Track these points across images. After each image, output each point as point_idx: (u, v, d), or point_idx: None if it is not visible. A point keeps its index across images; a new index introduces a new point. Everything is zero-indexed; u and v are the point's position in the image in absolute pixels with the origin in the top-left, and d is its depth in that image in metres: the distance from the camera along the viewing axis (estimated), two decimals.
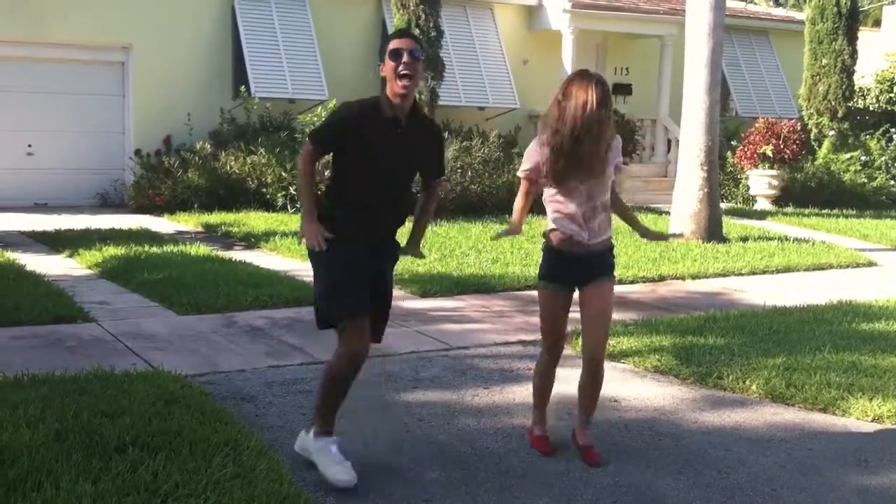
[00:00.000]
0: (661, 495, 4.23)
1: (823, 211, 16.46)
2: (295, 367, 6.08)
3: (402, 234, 4.53)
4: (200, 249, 10.27)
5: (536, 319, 7.09)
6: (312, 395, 5.44)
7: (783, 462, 4.67)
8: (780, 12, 24.70)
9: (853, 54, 18.41)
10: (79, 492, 3.69)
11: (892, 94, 19.68)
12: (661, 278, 9.81)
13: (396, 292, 8.25)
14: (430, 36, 15.10)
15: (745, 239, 12.66)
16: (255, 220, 12.88)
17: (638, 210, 15.52)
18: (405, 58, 4.14)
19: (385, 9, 16.61)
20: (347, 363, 4.19)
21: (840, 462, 4.69)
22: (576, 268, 4.54)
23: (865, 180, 17.93)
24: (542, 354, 4.81)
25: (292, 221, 12.79)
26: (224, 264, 9.45)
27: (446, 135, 14.56)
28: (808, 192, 17.41)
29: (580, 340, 4.86)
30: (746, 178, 17.44)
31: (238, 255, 10.32)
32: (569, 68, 17.71)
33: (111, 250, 9.87)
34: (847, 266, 11.21)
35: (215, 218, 12.97)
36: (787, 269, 10.71)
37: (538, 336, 6.99)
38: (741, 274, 10.29)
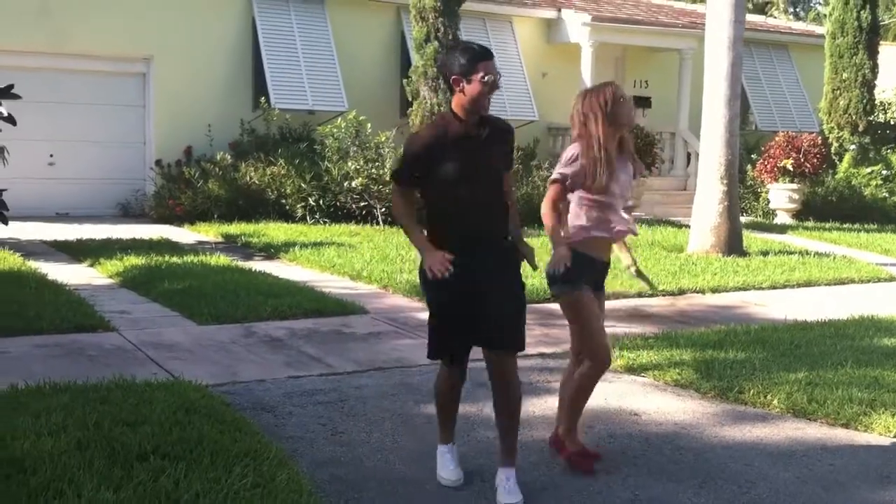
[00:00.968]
0: None
1: (844, 225, 16.37)
2: (314, 378, 6.08)
3: None
4: (220, 259, 10.31)
5: (556, 331, 7.06)
6: (332, 407, 5.47)
7: (805, 477, 4.63)
8: (799, 26, 24.63)
9: (874, 68, 18.34)
10: (101, 500, 3.71)
11: None
12: (681, 292, 9.77)
13: (416, 304, 8.25)
14: (449, 48, 15.13)
15: (765, 253, 12.61)
16: (275, 230, 12.92)
17: (657, 223, 15.48)
18: (498, 83, 4.15)
19: (404, 21, 16.67)
20: (440, 390, 4.45)
21: (862, 478, 4.65)
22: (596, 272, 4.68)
23: (887, 195, 17.82)
24: (593, 366, 4.64)
25: (312, 232, 12.83)
26: (244, 274, 9.48)
27: None
28: (828, 207, 17.32)
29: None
30: (766, 192, 17.37)
31: (258, 265, 10.36)
32: (588, 81, 17.70)
33: (132, 260, 9.92)
34: (868, 281, 11.13)
35: (235, 228, 13.02)
36: (808, 284, 10.65)
37: (557, 349, 7.01)
38: (761, 288, 10.24)
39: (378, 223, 13.92)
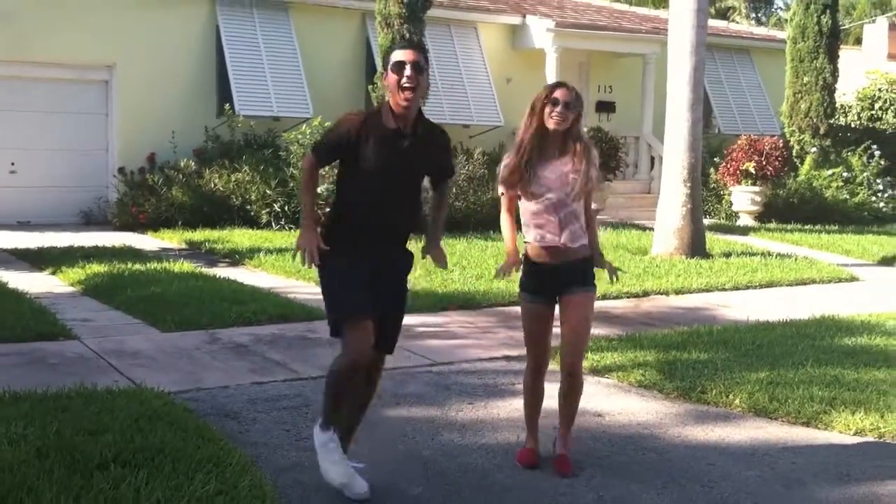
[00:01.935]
0: None
1: (806, 227, 16.55)
2: (279, 384, 6.06)
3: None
4: (184, 266, 10.24)
5: (520, 334, 7.09)
6: (296, 412, 5.45)
7: (767, 476, 4.68)
8: (761, 31, 24.87)
9: (834, 72, 18.58)
10: None
11: (873, 112, 19.88)
12: (645, 294, 9.84)
13: None
14: None
15: (728, 254, 12.72)
16: (240, 236, 12.86)
17: (622, 226, 15.59)
18: (408, 70, 4.11)
19: (369, 27, 16.66)
20: (347, 366, 4.11)
21: (823, 475, 4.70)
22: (553, 278, 4.61)
23: (847, 196, 18.07)
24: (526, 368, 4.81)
25: (277, 238, 12.77)
26: (208, 281, 9.42)
27: None
28: (790, 208, 17.52)
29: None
30: (729, 195, 17.54)
31: (222, 271, 10.30)
32: None
33: (94, 268, 9.82)
34: (829, 281, 11.27)
35: (199, 235, 12.94)
36: (770, 285, 10.76)
37: (522, 351, 7.02)
38: (724, 289, 10.34)
39: None
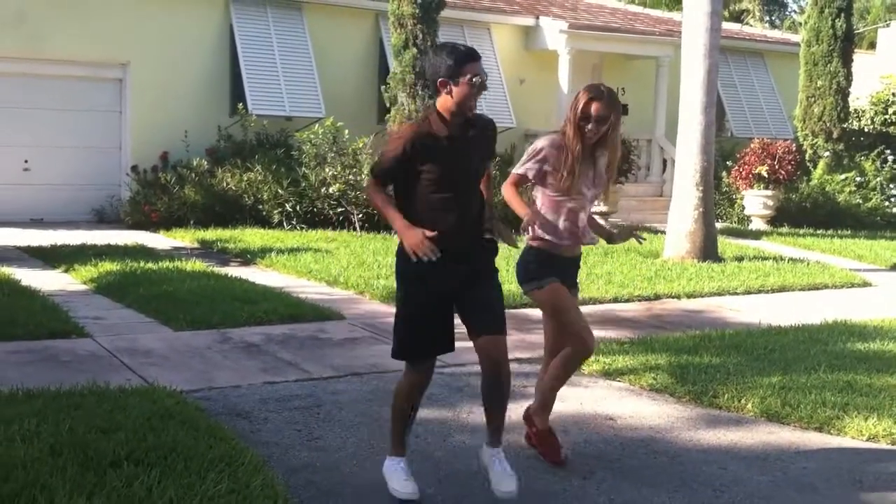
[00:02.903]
0: None
1: (818, 231, 16.50)
2: (290, 384, 6.07)
3: None
4: (196, 265, 10.26)
5: (532, 337, 7.09)
6: (307, 412, 5.45)
7: (779, 481, 4.67)
8: (775, 34, 24.83)
9: (848, 76, 18.52)
10: None
11: (886, 116, 19.77)
12: (657, 297, 9.82)
13: (393, 309, 8.26)
14: (427, 55, 15.16)
15: (740, 258, 12.69)
16: (251, 236, 12.88)
17: (634, 230, 15.53)
18: (486, 84, 4.14)
19: (383, 27, 16.68)
20: (405, 398, 4.31)
21: (836, 481, 4.69)
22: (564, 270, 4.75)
23: (860, 201, 18.00)
24: (577, 351, 4.73)
25: (288, 238, 12.80)
26: (220, 280, 9.44)
27: None
28: (803, 213, 17.46)
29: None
30: (741, 199, 17.50)
31: (234, 271, 10.32)
32: (565, 88, 17.80)
33: (107, 266, 9.86)
34: (842, 286, 11.23)
35: (211, 234, 12.97)
36: (783, 289, 10.73)
37: (533, 354, 7.03)
38: (736, 293, 10.31)
39: (355, 229, 13.91)
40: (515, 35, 18.65)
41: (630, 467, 4.77)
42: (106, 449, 4.30)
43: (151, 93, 15.19)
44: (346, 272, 10.11)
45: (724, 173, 17.65)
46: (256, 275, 10.17)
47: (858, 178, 18.29)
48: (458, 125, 4.14)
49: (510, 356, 6.91)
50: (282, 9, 16.29)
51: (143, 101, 15.19)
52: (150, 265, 9.99)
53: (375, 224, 14.01)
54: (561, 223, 4.67)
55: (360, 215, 13.91)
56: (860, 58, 20.49)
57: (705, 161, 12.54)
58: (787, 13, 42.34)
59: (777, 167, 16.81)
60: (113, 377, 5.84)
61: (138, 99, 15.20)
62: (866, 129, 19.76)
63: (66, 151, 15.01)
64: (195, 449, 4.40)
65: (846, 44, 18.45)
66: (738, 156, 17.63)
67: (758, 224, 17.15)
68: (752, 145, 17.31)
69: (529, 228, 4.55)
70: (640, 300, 9.63)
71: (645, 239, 4.93)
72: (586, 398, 5.94)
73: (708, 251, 12.45)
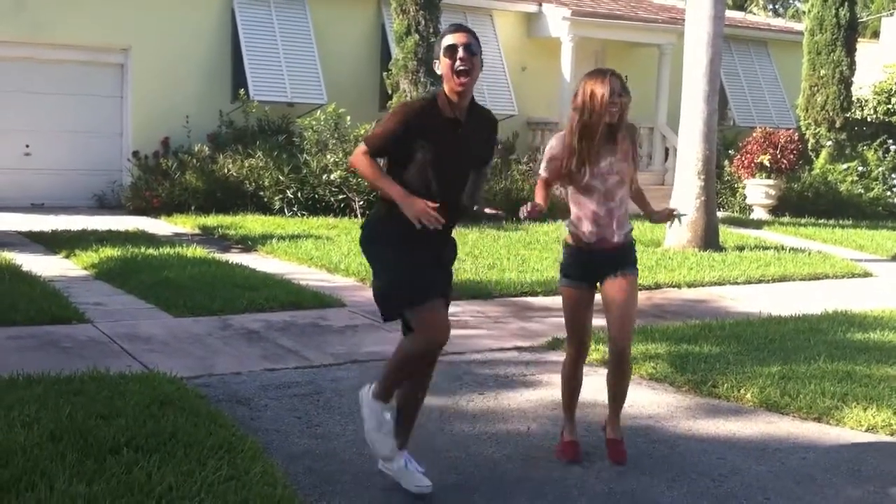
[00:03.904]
0: (655, 503, 4.23)
1: (820, 221, 16.49)
2: (290, 371, 6.08)
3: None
4: (197, 252, 10.26)
5: (532, 325, 7.10)
6: (307, 399, 5.46)
7: (777, 471, 4.67)
8: (779, 23, 24.76)
9: (851, 65, 18.47)
10: (73, 493, 3.69)
11: (889, 106, 19.73)
12: (658, 286, 9.82)
13: None
14: (430, 41, 15.12)
15: (741, 248, 12.68)
16: (252, 222, 12.88)
17: (634, 218, 15.53)
18: (461, 53, 3.95)
19: (385, 13, 16.64)
20: (426, 344, 3.99)
21: (834, 471, 4.69)
22: (597, 264, 4.62)
23: (862, 191, 17.98)
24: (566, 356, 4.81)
25: (289, 225, 12.79)
26: (220, 267, 9.44)
27: None
28: (804, 202, 17.44)
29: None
30: (743, 188, 17.48)
31: (235, 257, 10.32)
32: (567, 76, 17.75)
33: (107, 251, 9.86)
34: (843, 276, 11.22)
35: (212, 220, 12.96)
36: (783, 279, 10.72)
37: (533, 342, 7.04)
38: (737, 283, 10.31)
39: (356, 216, 13.90)
40: (518, 22, 18.60)
41: (629, 456, 4.77)
42: (106, 435, 4.31)
43: (153, 78, 15.15)
44: (346, 259, 10.10)
45: (726, 162, 17.62)
46: (257, 261, 10.17)
47: (861, 168, 18.26)
48: (463, 110, 4.06)
49: (510, 344, 6.99)
50: None
51: (145, 86, 15.15)
52: (150, 251, 9.99)
53: None
54: (587, 216, 4.58)
55: (362, 202, 13.91)
56: (863, 47, 20.44)
57: (707, 150, 12.52)
58: (790, 1, 42.20)
59: (779, 156, 16.79)
60: (113, 363, 5.85)
61: (140, 84, 15.17)
62: (869, 119, 19.71)
63: (68, 137, 14.99)
64: (195, 435, 4.41)
65: (850, 33, 18.39)
66: (740, 145, 17.60)
67: (759, 213, 17.13)
68: (754, 134, 17.28)
69: (525, 212, 4.40)
70: (640, 289, 9.58)
71: (685, 214, 4.85)
72: (586, 387, 5.89)
73: (709, 240, 12.45)
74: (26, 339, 6.51)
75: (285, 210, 14.01)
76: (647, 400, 5.77)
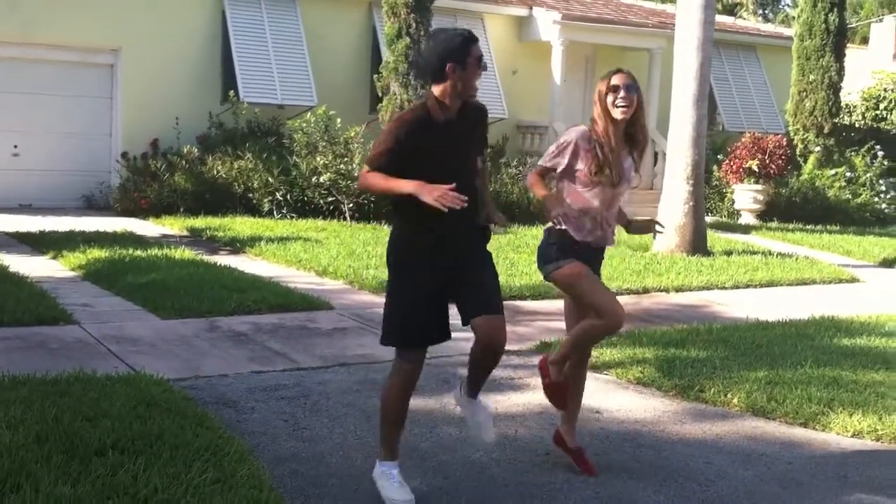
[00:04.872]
0: None
1: (807, 226, 16.55)
2: (278, 373, 6.07)
3: None
4: (185, 253, 10.24)
5: (521, 329, 7.10)
6: (295, 402, 5.45)
7: (763, 475, 4.69)
8: (768, 28, 24.82)
9: (840, 71, 18.54)
10: (58, 494, 3.68)
11: (877, 112, 19.85)
12: (646, 290, 9.84)
13: (382, 300, 8.26)
14: (420, 45, 15.13)
15: (729, 253, 12.72)
16: (241, 224, 12.85)
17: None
18: (486, 65, 4.23)
19: (376, 16, 16.63)
20: (397, 398, 4.21)
21: (820, 476, 4.71)
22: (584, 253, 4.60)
23: (850, 196, 18.05)
24: (604, 323, 4.49)
25: (278, 227, 12.77)
26: (209, 269, 9.42)
27: None
28: (792, 208, 17.51)
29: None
30: (732, 193, 17.53)
31: (223, 259, 10.30)
32: (558, 80, 17.79)
33: (95, 252, 9.83)
34: (830, 282, 11.27)
35: (201, 222, 12.93)
36: (771, 284, 10.76)
37: (522, 346, 7.03)
38: (725, 288, 10.33)
39: (345, 219, 13.89)
40: (509, 25, 18.61)
41: (616, 461, 4.78)
42: (92, 437, 4.30)
43: (142, 79, 15.11)
44: (335, 262, 10.10)
45: (714, 167, 17.67)
46: (245, 263, 10.15)
47: (848, 174, 18.34)
48: (456, 111, 4.14)
49: None
50: None
51: (134, 87, 15.11)
52: (138, 252, 9.96)
53: (366, 214, 13.99)
54: (587, 218, 4.55)
55: (351, 205, 13.90)
56: (853, 53, 20.55)
57: (696, 154, 12.56)
58: (780, 7, 42.36)
59: (768, 161, 16.85)
60: (100, 365, 5.83)
61: (129, 85, 15.13)
62: (857, 125, 19.82)
63: (56, 137, 14.93)
64: (181, 438, 4.40)
65: (839, 38, 18.47)
66: (728, 149, 17.65)
67: (747, 218, 17.18)
68: (743, 139, 17.34)
69: (559, 219, 4.44)
70: (628, 293, 9.63)
71: (664, 230, 4.85)
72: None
73: (697, 245, 12.48)
74: (13, 340, 6.48)
75: (274, 212, 13.98)
76: (634, 404, 5.78)
